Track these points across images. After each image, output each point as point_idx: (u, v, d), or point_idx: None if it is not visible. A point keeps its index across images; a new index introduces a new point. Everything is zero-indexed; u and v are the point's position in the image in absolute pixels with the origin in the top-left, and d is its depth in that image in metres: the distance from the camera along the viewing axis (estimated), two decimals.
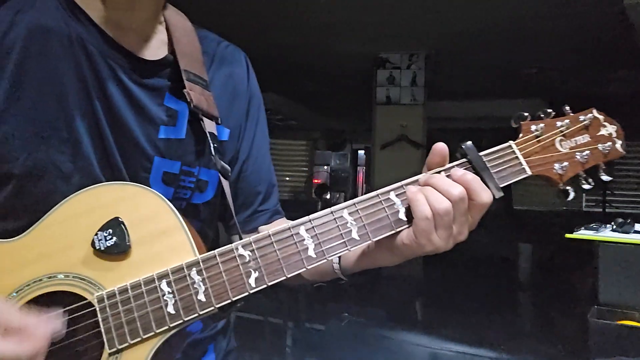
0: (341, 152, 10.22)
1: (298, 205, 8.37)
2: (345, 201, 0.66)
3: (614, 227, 2.05)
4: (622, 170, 8.66)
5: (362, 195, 0.66)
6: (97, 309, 0.61)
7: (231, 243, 0.64)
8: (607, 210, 7.97)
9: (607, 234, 2.01)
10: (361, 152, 10.75)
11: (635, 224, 2.03)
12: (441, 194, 0.62)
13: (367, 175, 9.75)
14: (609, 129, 0.72)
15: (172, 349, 0.66)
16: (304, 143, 10.69)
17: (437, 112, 6.71)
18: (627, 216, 2.07)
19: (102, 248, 0.62)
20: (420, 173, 0.67)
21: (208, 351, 0.87)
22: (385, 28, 4.95)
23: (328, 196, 9.06)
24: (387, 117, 5.67)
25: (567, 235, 2.06)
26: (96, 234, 0.63)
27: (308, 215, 0.65)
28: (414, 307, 4.62)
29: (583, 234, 2.03)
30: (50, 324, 0.59)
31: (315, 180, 10.03)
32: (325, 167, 10.20)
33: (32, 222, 0.65)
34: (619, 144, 0.71)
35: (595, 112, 0.72)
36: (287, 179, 10.64)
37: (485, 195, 0.63)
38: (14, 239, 0.65)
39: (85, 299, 0.62)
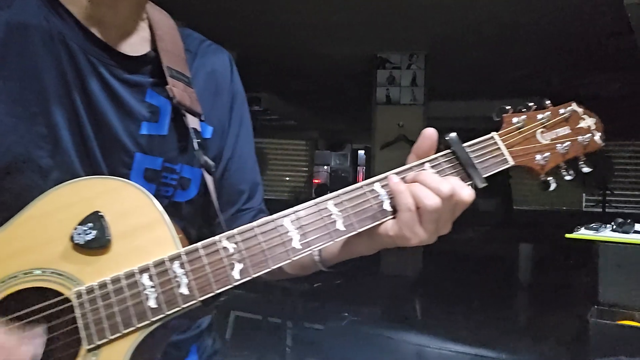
0: (341, 152, 10.22)
1: None
2: None
3: (614, 227, 2.04)
4: (622, 170, 8.67)
5: None
6: (75, 304, 0.60)
7: None
8: (607, 210, 7.97)
9: (607, 234, 2.01)
10: (361, 152, 10.75)
11: (635, 224, 2.03)
12: (431, 191, 0.62)
13: (367, 175, 9.75)
14: (588, 121, 0.73)
15: (155, 347, 0.65)
16: (303, 143, 10.69)
17: (437, 112, 6.71)
18: (627, 216, 2.07)
19: (82, 242, 0.61)
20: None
21: (190, 352, 0.85)
22: (385, 28, 4.95)
23: None
24: (387, 117, 5.67)
25: (567, 235, 2.06)
26: (75, 228, 0.62)
27: None
28: (414, 306, 4.62)
29: (583, 234, 2.03)
30: (31, 346, 0.57)
31: (315, 180, 10.03)
32: (325, 167, 10.19)
33: (9, 219, 0.64)
34: (597, 136, 0.73)
35: (574, 105, 0.73)
36: (287, 179, 10.63)
37: (466, 193, 0.63)
38: None
39: (63, 294, 0.61)
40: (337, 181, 9.77)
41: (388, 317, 3.76)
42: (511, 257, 6.35)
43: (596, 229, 2.05)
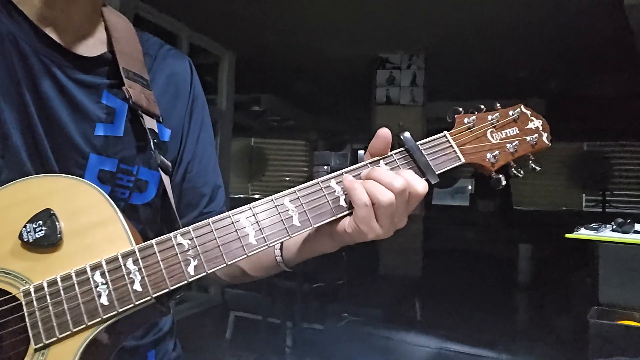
0: (341, 152, 10.20)
1: None
2: None
3: (614, 227, 2.04)
4: (622, 170, 8.67)
5: None
6: (23, 302, 0.59)
7: None
8: (607, 210, 7.97)
9: (607, 234, 2.00)
10: (361, 152, 10.70)
11: (635, 224, 2.02)
12: (384, 187, 0.64)
13: None
14: (536, 122, 0.77)
15: (107, 347, 0.63)
16: (303, 143, 10.69)
17: (437, 113, 6.72)
18: (627, 216, 2.06)
19: (31, 240, 0.60)
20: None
21: (147, 359, 0.83)
22: (385, 28, 4.95)
23: None
24: (387, 117, 5.67)
25: (567, 235, 2.05)
26: (24, 226, 0.60)
27: None
28: (413, 307, 4.62)
29: (583, 234, 2.03)
30: None
31: None
32: (325, 167, 10.12)
33: None
34: (544, 137, 0.77)
35: (523, 108, 0.78)
36: (287, 179, 10.64)
37: (420, 186, 0.65)
38: None
39: (11, 293, 0.59)
40: None
41: (388, 317, 3.76)
42: (511, 257, 6.35)
43: (596, 229, 2.05)
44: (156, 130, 0.77)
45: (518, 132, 0.76)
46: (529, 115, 0.77)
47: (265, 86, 7.36)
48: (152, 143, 0.74)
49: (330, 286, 3.77)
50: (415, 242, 5.54)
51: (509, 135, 0.75)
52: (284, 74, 6.65)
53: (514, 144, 0.74)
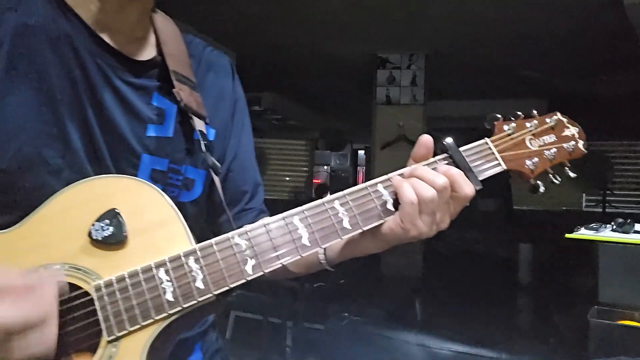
0: (341, 152, 10.22)
1: (298, 206, 8.32)
2: None
3: (614, 227, 2.04)
4: (622, 170, 8.67)
5: None
6: (95, 297, 0.62)
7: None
8: (607, 210, 7.97)
9: (607, 234, 2.01)
10: (361, 152, 10.74)
11: (635, 224, 2.03)
12: (426, 184, 0.66)
13: (367, 175, 9.74)
14: (572, 130, 0.79)
15: (170, 339, 0.67)
16: (303, 143, 10.69)
17: (437, 112, 6.72)
18: (627, 216, 2.07)
19: (99, 238, 0.63)
20: None
21: (194, 351, 0.87)
22: (385, 28, 4.95)
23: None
24: (387, 117, 5.67)
25: (567, 235, 2.06)
26: (93, 225, 0.64)
27: None
28: (414, 306, 4.62)
29: (583, 234, 2.03)
30: (54, 281, 0.58)
31: (315, 180, 10.03)
32: (325, 167, 10.20)
33: (22, 217, 0.65)
34: (581, 144, 0.79)
35: (559, 115, 0.79)
36: (287, 179, 10.63)
37: (468, 189, 0.68)
38: (6, 230, 0.65)
39: (82, 288, 0.63)
40: (337, 181, 9.77)
41: (388, 317, 3.76)
42: (511, 257, 6.35)
43: (596, 229, 2.05)
44: (205, 132, 0.81)
45: (555, 139, 0.77)
46: (565, 123, 0.79)
47: (266, 85, 7.36)
48: (203, 145, 0.78)
49: (331, 286, 3.77)
50: (415, 242, 5.54)
51: (546, 142, 0.77)
52: (284, 73, 6.65)
53: (552, 151, 0.76)
